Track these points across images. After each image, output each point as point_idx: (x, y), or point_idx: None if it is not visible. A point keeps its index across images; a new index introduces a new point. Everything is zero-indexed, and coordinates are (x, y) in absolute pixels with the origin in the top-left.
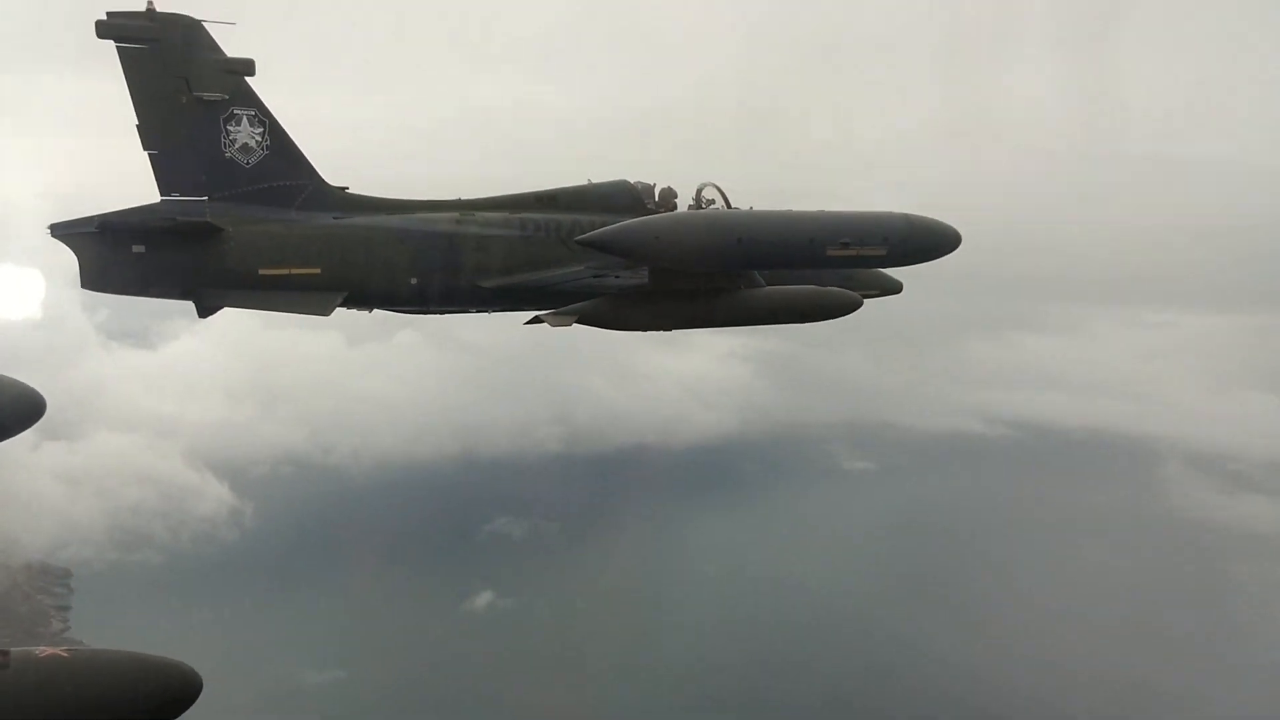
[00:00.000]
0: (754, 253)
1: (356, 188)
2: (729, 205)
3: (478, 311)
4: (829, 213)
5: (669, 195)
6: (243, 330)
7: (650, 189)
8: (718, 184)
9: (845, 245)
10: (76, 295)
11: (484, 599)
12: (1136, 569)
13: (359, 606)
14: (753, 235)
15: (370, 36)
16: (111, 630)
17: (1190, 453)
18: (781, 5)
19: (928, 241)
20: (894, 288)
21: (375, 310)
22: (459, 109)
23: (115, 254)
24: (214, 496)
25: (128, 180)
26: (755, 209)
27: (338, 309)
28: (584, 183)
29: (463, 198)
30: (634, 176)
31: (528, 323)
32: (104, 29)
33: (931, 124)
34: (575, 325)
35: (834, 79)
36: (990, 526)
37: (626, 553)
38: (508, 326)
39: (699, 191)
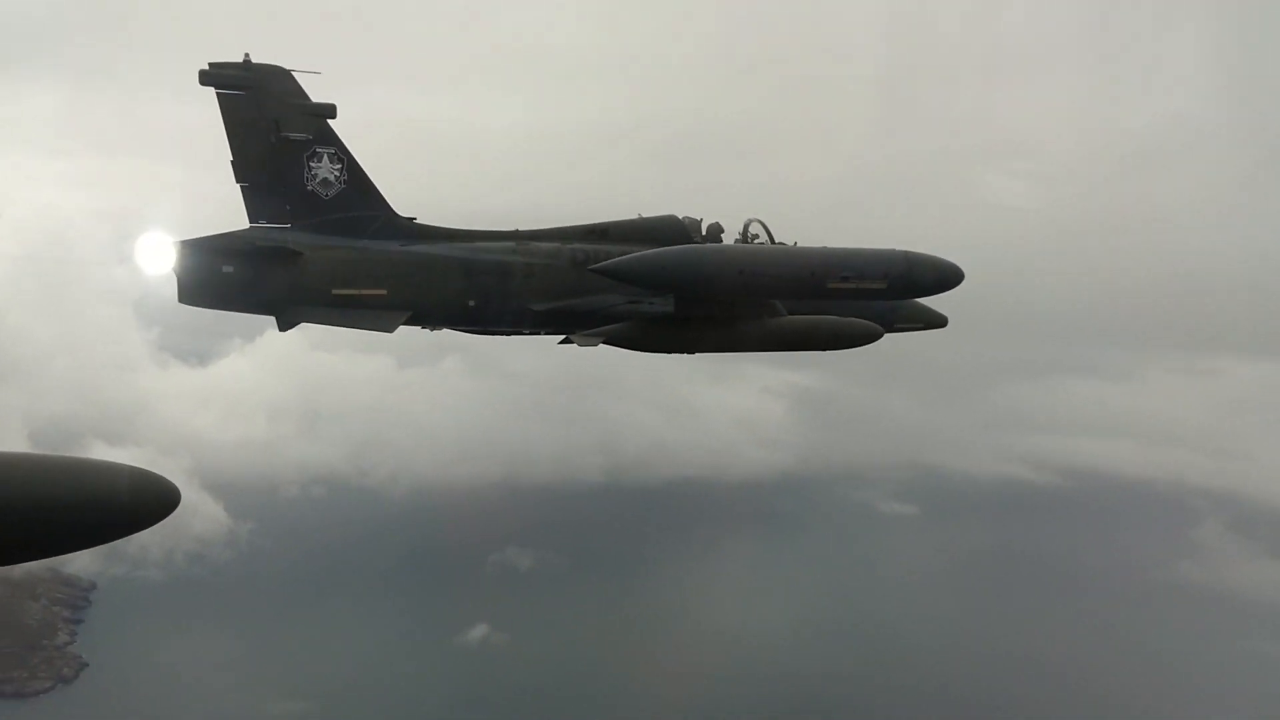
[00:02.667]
0: (755, 284)
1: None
2: (773, 239)
3: (530, 333)
4: (832, 249)
5: (716, 230)
6: (293, 351)
7: (697, 224)
8: (762, 219)
9: (845, 279)
10: (132, 313)
11: (479, 632)
12: (1134, 630)
13: (346, 635)
14: (753, 268)
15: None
16: (117, 648)
17: (1235, 512)
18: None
19: (928, 277)
20: (939, 321)
21: (439, 329)
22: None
23: (208, 273)
24: (209, 516)
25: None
26: (773, 244)
27: (404, 327)
28: (634, 217)
29: (520, 229)
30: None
31: (561, 342)
32: (205, 77)
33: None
34: (604, 347)
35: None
36: (1007, 577)
37: (639, 589)
38: (557, 356)
39: (745, 227)
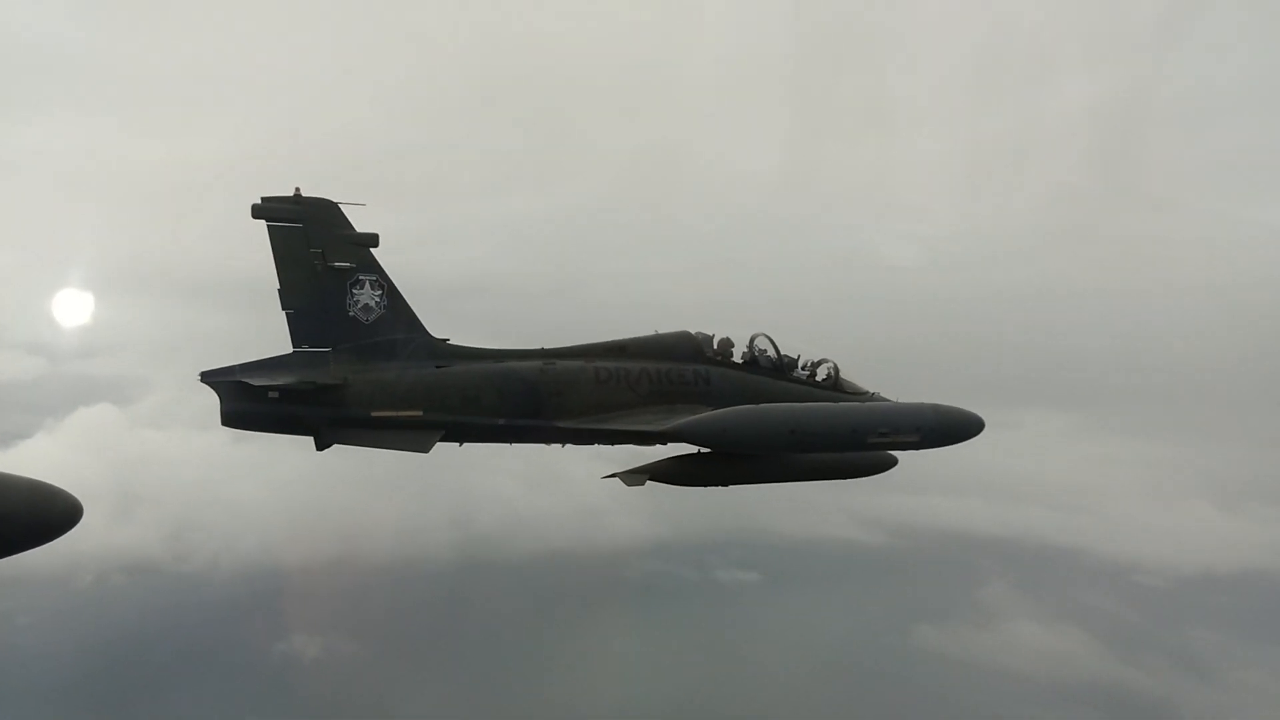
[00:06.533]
0: (804, 441)
1: None
2: (779, 353)
3: (553, 443)
4: (868, 406)
5: (726, 345)
6: (106, 430)
7: (709, 339)
8: (769, 334)
9: (883, 434)
10: None
11: None
12: (911, 699)
13: None
14: (803, 427)
15: None
16: None
17: (1027, 569)
18: None
19: (953, 428)
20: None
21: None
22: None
23: (253, 399)
24: None
25: None
26: (806, 404)
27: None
28: (650, 333)
29: (546, 347)
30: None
31: (605, 477)
32: (258, 211)
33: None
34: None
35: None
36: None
37: (455, 673)
38: None
39: (752, 341)
